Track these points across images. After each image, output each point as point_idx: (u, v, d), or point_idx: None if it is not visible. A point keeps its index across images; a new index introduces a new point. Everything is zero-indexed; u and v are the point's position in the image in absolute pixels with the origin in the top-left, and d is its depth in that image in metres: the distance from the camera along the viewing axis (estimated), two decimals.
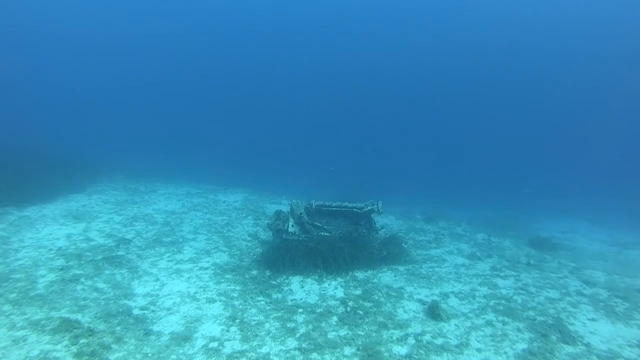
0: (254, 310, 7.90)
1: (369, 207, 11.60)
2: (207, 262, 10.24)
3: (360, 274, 10.12)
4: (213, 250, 11.10)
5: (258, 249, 11.47)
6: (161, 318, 7.36)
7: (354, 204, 11.78)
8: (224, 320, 7.46)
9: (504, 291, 9.45)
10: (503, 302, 8.82)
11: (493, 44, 45.74)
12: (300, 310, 8.04)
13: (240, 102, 47.30)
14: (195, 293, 8.48)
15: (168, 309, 7.70)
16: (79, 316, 7.01)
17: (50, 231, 11.17)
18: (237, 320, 7.45)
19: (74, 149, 21.81)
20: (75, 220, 12.24)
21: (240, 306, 8.05)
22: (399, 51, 48.82)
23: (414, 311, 8.26)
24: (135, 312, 7.47)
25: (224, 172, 22.45)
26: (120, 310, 7.43)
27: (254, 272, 9.86)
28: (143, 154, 25.76)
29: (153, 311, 7.59)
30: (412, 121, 44.51)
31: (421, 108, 45.71)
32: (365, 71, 48.72)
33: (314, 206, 11.79)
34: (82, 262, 9.33)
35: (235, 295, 8.54)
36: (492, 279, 10.20)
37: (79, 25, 49.79)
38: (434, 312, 8.06)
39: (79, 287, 8.18)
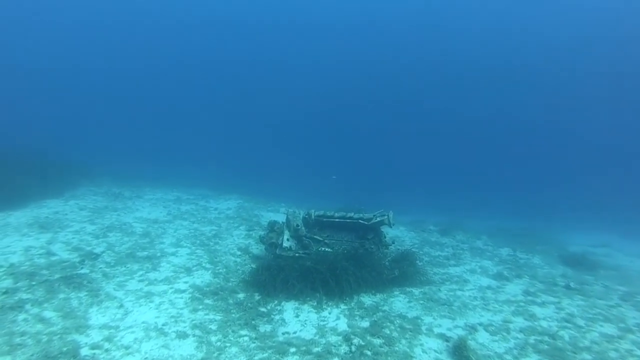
0: (234, 350, 6.26)
1: (377, 219, 9.84)
2: (185, 283, 8.60)
3: (367, 299, 8.45)
4: (194, 268, 9.47)
5: (248, 266, 9.84)
6: None
7: (360, 215, 10.02)
8: None
9: (544, 324, 7.72)
10: (546, 339, 7.10)
11: (518, 46, 43.92)
12: (293, 349, 6.38)
13: (242, 104, 45.96)
14: (164, 325, 6.84)
15: (126, 348, 6.07)
16: None
17: (9, 243, 9.60)
18: None
19: (58, 150, 20.27)
20: (40, 230, 10.66)
21: (218, 343, 6.41)
22: (412, 52, 47.12)
23: (435, 351, 6.58)
24: (84, 352, 5.84)
25: (220, 176, 21.04)
26: (65, 349, 5.80)
27: (241, 295, 8.23)
28: (134, 156, 24.32)
29: (107, 350, 5.95)
30: (421, 124, 42.98)
31: (431, 109, 44.14)
32: (374, 72, 47.14)
33: (313, 217, 10.06)
34: (34, 282, 7.73)
35: (213, 327, 6.89)
36: (527, 307, 8.47)
37: (71, 18, 48.15)
38: (461, 353, 6.39)
39: (21, 316, 6.57)
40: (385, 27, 48.01)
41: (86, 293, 7.65)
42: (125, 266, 9.10)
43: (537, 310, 8.35)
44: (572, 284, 9.86)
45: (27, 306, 6.90)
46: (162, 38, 51.55)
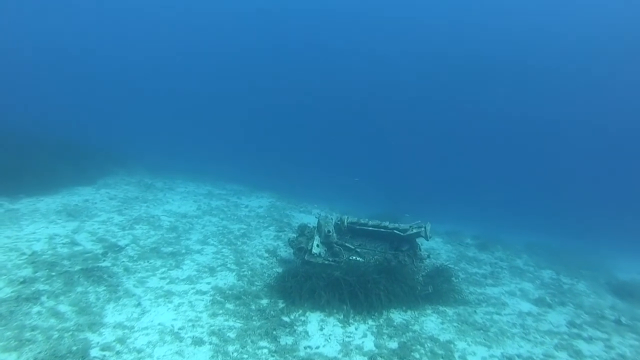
0: None
1: (414, 230, 9.22)
2: (208, 284, 8.26)
3: (397, 316, 7.90)
4: (219, 268, 9.12)
5: (274, 270, 9.42)
6: None
7: (396, 225, 9.43)
8: None
9: None
10: None
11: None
12: None
13: (282, 102, 45.85)
14: (180, 329, 6.49)
15: (138, 352, 5.73)
16: (10, 357, 5.13)
17: (34, 229, 9.51)
18: None
19: (98, 139, 20.46)
20: (67, 218, 10.56)
21: (235, 354, 5.99)
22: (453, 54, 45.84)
23: None
24: (94, 353, 5.53)
25: (255, 172, 20.76)
26: (75, 349, 5.51)
27: (264, 301, 7.82)
28: (170, 148, 24.38)
29: (117, 353, 5.63)
30: (463, 130, 41.80)
31: (476, 115, 42.84)
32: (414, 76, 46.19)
33: (346, 223, 9.54)
34: (54, 273, 7.54)
35: (232, 335, 6.49)
36: (572, 341, 7.71)
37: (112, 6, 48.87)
38: None
39: (35, 309, 6.34)
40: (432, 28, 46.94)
41: (105, 288, 7.40)
42: (148, 261, 8.84)
43: (583, 346, 7.59)
44: (623, 319, 8.91)
45: (43, 298, 6.69)
46: (201, 34, 51.96)
